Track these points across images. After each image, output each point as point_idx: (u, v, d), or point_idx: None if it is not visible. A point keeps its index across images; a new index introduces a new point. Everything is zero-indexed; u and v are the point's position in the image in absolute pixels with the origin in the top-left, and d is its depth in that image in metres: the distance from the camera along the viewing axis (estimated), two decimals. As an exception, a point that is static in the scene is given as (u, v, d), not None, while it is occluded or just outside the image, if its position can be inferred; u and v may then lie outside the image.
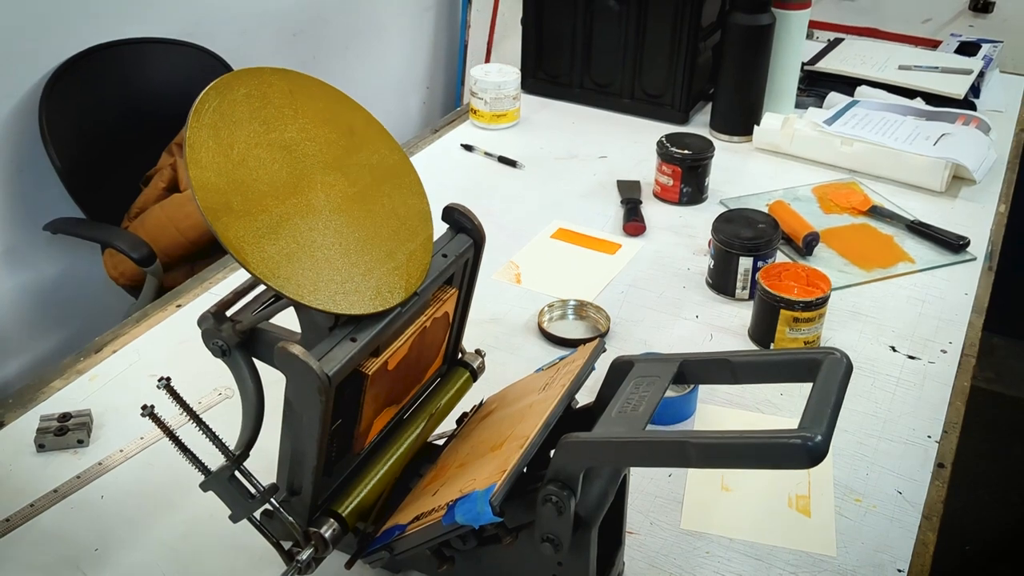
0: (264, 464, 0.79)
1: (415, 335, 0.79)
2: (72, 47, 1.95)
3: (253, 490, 0.74)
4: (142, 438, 1.01)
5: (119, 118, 2.02)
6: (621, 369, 0.78)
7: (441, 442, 0.90)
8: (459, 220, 0.85)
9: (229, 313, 0.76)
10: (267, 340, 0.75)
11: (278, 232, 0.69)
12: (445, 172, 1.64)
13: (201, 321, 0.75)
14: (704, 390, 1.08)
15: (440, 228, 0.85)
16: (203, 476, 0.75)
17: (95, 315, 2.13)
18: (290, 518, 0.75)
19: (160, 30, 2.14)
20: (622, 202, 1.53)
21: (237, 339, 0.75)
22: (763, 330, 1.17)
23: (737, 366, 0.72)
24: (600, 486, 0.74)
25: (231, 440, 0.76)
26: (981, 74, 1.96)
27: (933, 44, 2.24)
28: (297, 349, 0.66)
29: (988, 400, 2.61)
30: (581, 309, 1.24)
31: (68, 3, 1.96)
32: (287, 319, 0.76)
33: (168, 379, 0.72)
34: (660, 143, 1.52)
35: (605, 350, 0.85)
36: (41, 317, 2.08)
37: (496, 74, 1.77)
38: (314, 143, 0.76)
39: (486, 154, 1.69)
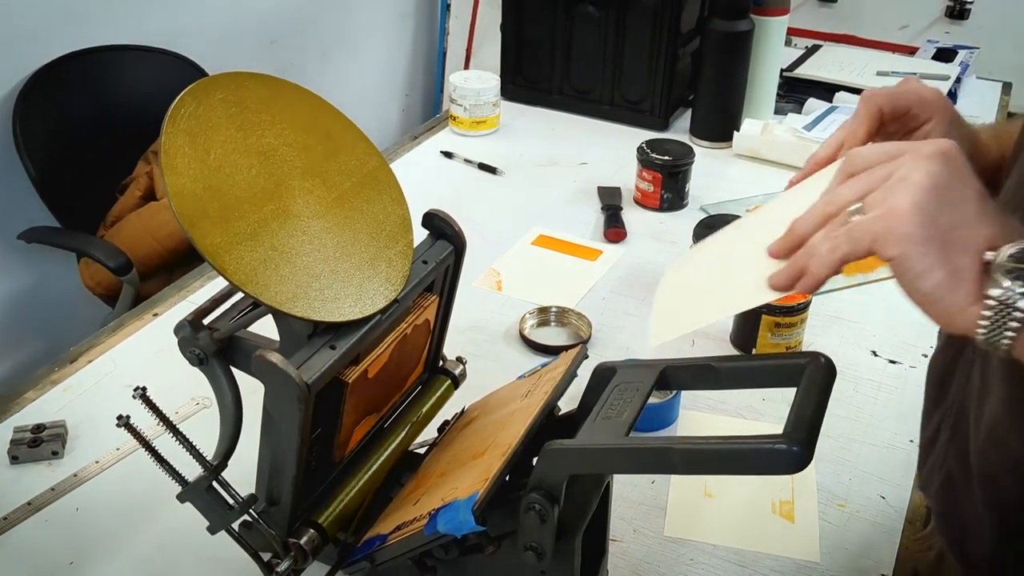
0: (241, 474, 0.78)
1: (395, 343, 0.78)
2: (47, 54, 1.93)
3: (231, 501, 0.73)
4: (118, 449, 1.00)
5: (94, 126, 2.00)
6: (603, 375, 0.77)
7: (422, 451, 0.89)
8: (439, 226, 0.84)
9: (206, 321, 0.75)
10: (245, 348, 0.74)
11: (256, 239, 0.68)
12: (425, 179, 1.63)
13: (178, 329, 0.74)
14: (687, 396, 1.07)
15: (420, 234, 0.84)
16: (180, 487, 0.73)
17: (71, 324, 2.10)
18: (269, 529, 0.74)
19: (136, 37, 2.12)
20: (603, 208, 1.53)
21: (214, 347, 0.74)
22: (745, 336, 1.17)
23: (720, 371, 0.72)
24: (583, 493, 0.73)
25: (208, 450, 0.75)
26: (958, 80, 1.98)
27: (910, 51, 2.26)
28: (275, 357, 0.65)
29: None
30: (562, 316, 1.23)
31: (42, 9, 1.94)
32: (265, 327, 0.75)
33: (144, 388, 0.71)
34: (640, 149, 1.52)
35: (587, 356, 0.84)
36: (16, 326, 2.05)
37: (475, 81, 1.77)
38: (292, 148, 0.75)
39: (466, 161, 1.69)
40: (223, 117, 0.71)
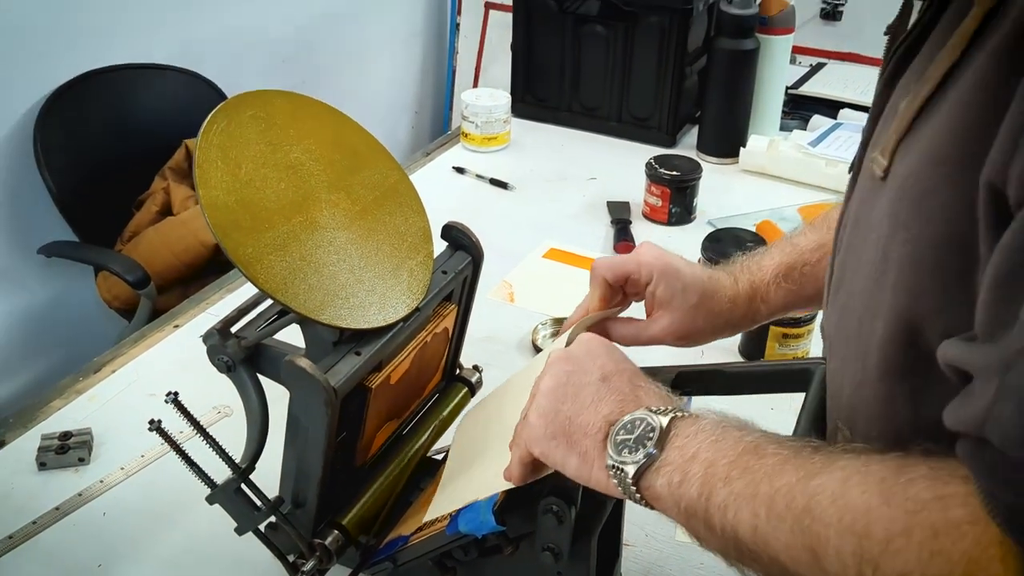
0: (261, 479, 0.80)
1: (416, 350, 0.81)
2: (66, 72, 1.97)
3: (259, 503, 0.76)
4: (143, 456, 1.02)
5: (112, 142, 2.04)
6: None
7: (440, 457, 0.91)
8: (458, 238, 0.87)
9: (234, 330, 0.78)
10: (271, 356, 0.76)
11: (285, 249, 0.71)
12: (438, 194, 1.66)
13: (207, 337, 0.77)
14: (696, 404, 1.10)
15: (440, 245, 0.87)
16: (209, 490, 0.76)
17: (88, 338, 2.13)
18: (296, 529, 0.76)
19: (153, 56, 2.16)
20: (612, 222, 1.56)
21: (242, 355, 0.76)
22: (753, 346, 1.19)
23: (731, 376, 0.74)
24: (598, 496, 0.76)
25: (233, 456, 0.77)
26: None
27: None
28: (304, 362, 0.68)
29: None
30: (574, 327, 1.26)
31: (62, 29, 1.98)
32: (289, 335, 0.78)
33: (175, 394, 0.73)
34: (649, 165, 1.55)
35: None
36: (34, 340, 2.09)
37: (487, 98, 1.80)
38: (318, 163, 0.78)
39: (477, 176, 1.72)
40: (253, 133, 0.74)
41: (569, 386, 0.63)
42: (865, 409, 0.59)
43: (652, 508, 0.58)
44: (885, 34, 0.67)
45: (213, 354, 0.77)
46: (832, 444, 0.53)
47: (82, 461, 1.01)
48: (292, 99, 0.80)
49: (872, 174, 0.57)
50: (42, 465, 1.00)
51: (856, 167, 0.64)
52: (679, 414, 0.59)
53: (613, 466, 0.58)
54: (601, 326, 0.82)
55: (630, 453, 0.57)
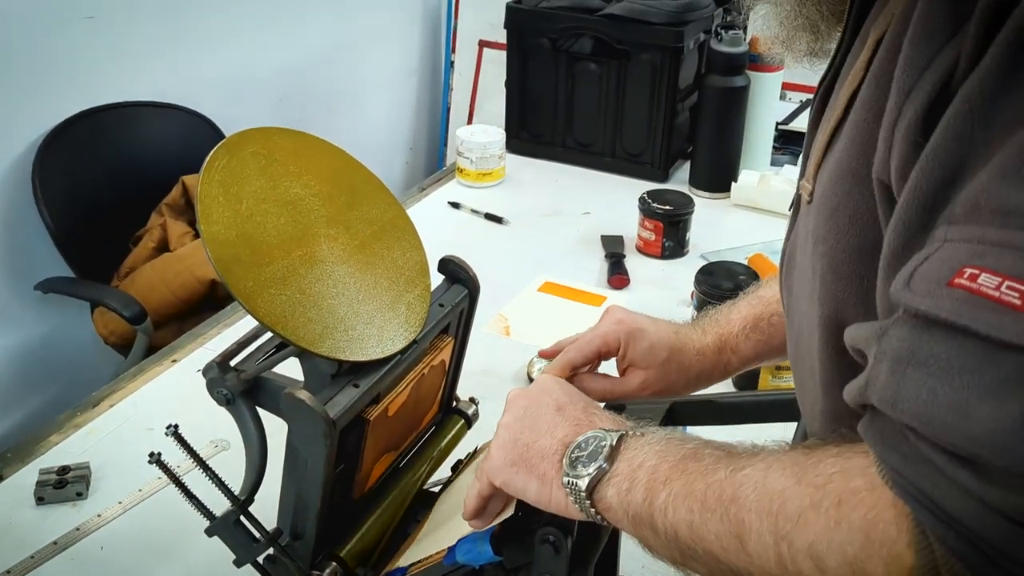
0: (259, 511, 0.81)
1: (414, 382, 0.82)
2: (66, 110, 2.00)
3: (258, 534, 0.76)
4: (140, 490, 1.03)
5: (110, 179, 2.05)
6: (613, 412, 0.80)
7: (437, 489, 0.92)
8: (455, 271, 0.88)
9: (233, 363, 0.79)
10: (270, 388, 0.77)
11: (285, 283, 0.72)
12: (434, 229, 1.67)
13: (206, 371, 0.78)
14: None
15: (436, 279, 0.88)
16: (208, 522, 0.76)
17: (84, 374, 2.13)
18: (294, 561, 0.76)
19: (151, 94, 2.19)
20: (606, 256, 1.57)
21: (241, 387, 0.77)
22: (747, 378, 1.20)
23: (724, 407, 0.75)
24: (595, 526, 0.76)
25: (231, 488, 0.78)
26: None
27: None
28: (304, 394, 0.69)
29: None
30: (569, 360, 1.27)
31: (62, 67, 2.01)
32: (287, 368, 0.78)
33: (176, 426, 0.74)
34: (642, 199, 1.57)
35: None
36: (31, 375, 2.09)
37: (482, 134, 1.83)
38: (317, 198, 0.79)
39: (473, 211, 1.74)
40: (254, 169, 0.76)
41: (526, 418, 0.66)
42: (822, 425, 0.62)
43: (605, 521, 0.61)
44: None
45: (212, 387, 0.78)
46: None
47: (80, 495, 1.01)
48: (292, 136, 0.82)
49: (802, 200, 0.61)
50: (40, 499, 1.00)
51: (795, 203, 0.68)
52: (630, 432, 0.61)
53: (568, 483, 0.61)
54: (578, 382, 0.84)
55: (583, 467, 0.60)
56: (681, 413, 0.78)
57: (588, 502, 0.60)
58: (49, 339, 2.10)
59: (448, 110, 3.41)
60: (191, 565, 0.92)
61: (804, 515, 0.48)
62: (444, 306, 0.85)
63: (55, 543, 0.95)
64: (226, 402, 0.78)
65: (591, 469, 0.60)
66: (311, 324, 0.72)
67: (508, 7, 1.90)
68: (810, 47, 0.66)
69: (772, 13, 0.65)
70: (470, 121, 3.39)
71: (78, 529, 0.97)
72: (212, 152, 0.74)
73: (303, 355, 0.76)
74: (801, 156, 0.69)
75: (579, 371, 0.86)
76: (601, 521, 0.61)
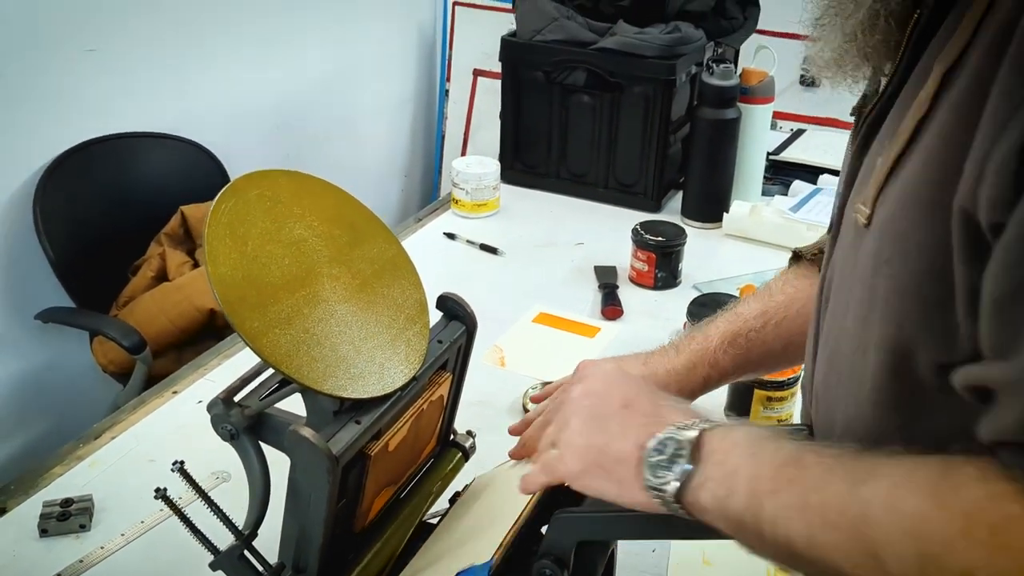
0: (261, 541, 0.82)
1: (413, 418, 0.84)
2: (67, 141, 2.02)
3: (261, 568, 0.78)
4: (142, 522, 1.04)
5: (110, 209, 2.08)
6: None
7: (435, 520, 0.94)
8: (453, 308, 0.90)
9: (237, 398, 0.81)
10: (273, 424, 0.79)
11: (290, 323, 0.74)
12: (429, 260, 1.70)
13: (211, 406, 0.79)
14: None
15: (435, 315, 0.90)
16: (212, 555, 0.78)
17: (83, 402, 2.15)
18: (296, 595, 0.78)
19: (150, 124, 2.22)
20: (600, 287, 1.60)
21: (245, 423, 0.79)
22: (739, 408, 1.22)
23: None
24: (590, 559, 0.78)
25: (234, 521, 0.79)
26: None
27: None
28: (308, 432, 0.71)
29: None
30: (564, 391, 1.29)
31: (64, 99, 2.03)
32: (290, 403, 0.80)
33: (182, 463, 0.76)
34: (635, 231, 1.60)
35: None
36: (30, 404, 2.10)
37: (477, 166, 1.85)
38: (320, 239, 0.82)
39: (468, 242, 1.76)
40: (259, 211, 0.78)
41: (595, 419, 0.68)
42: (864, 438, 0.63)
43: (698, 519, 0.62)
44: (851, 115, 0.76)
45: (217, 423, 0.79)
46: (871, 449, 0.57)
47: (83, 528, 1.02)
48: (295, 177, 0.84)
49: (855, 223, 0.63)
50: (44, 532, 1.02)
51: (835, 227, 0.70)
52: (705, 426, 0.63)
53: (652, 487, 0.62)
54: None
55: (666, 471, 0.62)
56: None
57: (677, 505, 0.62)
58: (49, 367, 2.12)
59: (443, 138, 3.45)
60: (193, 597, 0.94)
61: (953, 542, 0.49)
62: (443, 342, 0.87)
63: (59, 575, 0.96)
64: (230, 437, 0.80)
65: (676, 473, 0.61)
66: (314, 363, 0.74)
67: (503, 40, 1.94)
68: (856, 76, 0.68)
69: (824, 43, 0.67)
70: (464, 149, 3.43)
71: (81, 561, 0.98)
72: (219, 195, 0.76)
73: (306, 392, 0.78)
74: (841, 185, 0.71)
75: None
76: (693, 519, 0.62)
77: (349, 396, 0.75)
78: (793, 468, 0.58)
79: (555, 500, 0.80)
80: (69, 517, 1.03)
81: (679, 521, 0.67)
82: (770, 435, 0.62)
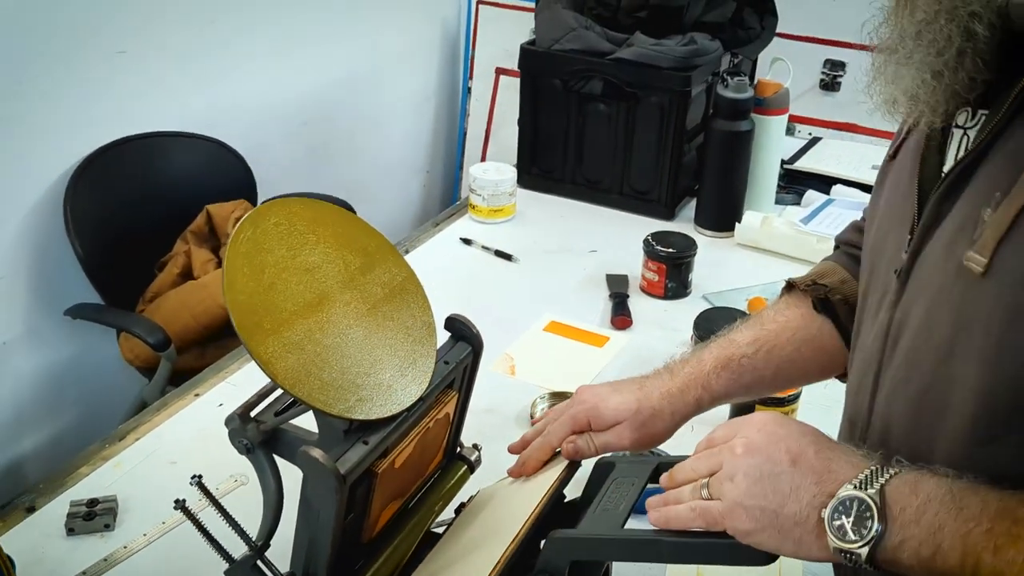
0: (275, 547, 0.87)
1: (419, 435, 0.88)
2: (96, 141, 2.08)
3: (273, 577, 0.83)
4: (164, 523, 1.09)
5: (138, 207, 2.14)
6: (603, 469, 0.87)
7: (441, 530, 0.98)
8: (460, 329, 0.95)
9: (253, 414, 0.85)
10: (287, 440, 0.84)
11: (303, 348, 0.79)
12: (445, 266, 1.75)
13: (228, 422, 0.84)
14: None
15: (443, 336, 0.94)
16: (227, 564, 0.83)
17: (109, 394, 2.22)
18: (306, 603, 0.83)
19: (178, 123, 2.27)
20: (610, 296, 1.63)
21: (260, 438, 0.83)
22: (740, 423, 1.26)
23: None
24: (586, 573, 0.82)
25: (247, 525, 0.84)
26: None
27: (907, 140, 2.37)
28: (317, 453, 0.75)
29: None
30: (571, 401, 1.33)
31: (94, 100, 2.09)
32: (303, 418, 0.85)
33: (200, 477, 0.81)
34: (646, 241, 1.63)
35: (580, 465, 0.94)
36: (57, 396, 2.17)
37: (494, 172, 1.89)
38: (333, 265, 0.86)
39: (483, 248, 1.80)
40: (275, 240, 0.82)
41: (765, 480, 0.66)
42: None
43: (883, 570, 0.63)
44: (892, 158, 0.80)
45: (234, 437, 0.84)
46: None
47: (107, 527, 1.08)
48: (310, 205, 0.88)
49: (961, 272, 0.64)
50: (70, 531, 1.07)
51: (904, 273, 0.72)
52: (883, 479, 0.63)
53: (841, 550, 0.62)
54: (571, 444, 0.94)
55: (855, 534, 0.61)
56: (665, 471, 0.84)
57: (869, 567, 0.62)
58: (77, 360, 2.19)
59: (464, 135, 3.48)
60: (210, 597, 0.99)
61: None
62: (449, 363, 0.91)
63: (84, 573, 1.02)
64: (246, 451, 0.85)
65: (867, 538, 0.61)
66: (325, 388, 0.78)
67: (522, 48, 1.97)
68: (931, 120, 0.69)
69: (901, 76, 0.68)
70: (486, 146, 3.46)
71: (105, 560, 1.04)
72: (239, 224, 0.80)
73: (317, 413, 0.82)
74: (917, 230, 0.71)
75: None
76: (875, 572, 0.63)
77: (357, 417, 0.80)
78: (1010, 522, 0.59)
79: (552, 519, 0.84)
80: (94, 517, 1.08)
81: (665, 547, 0.71)
82: (966, 486, 0.62)
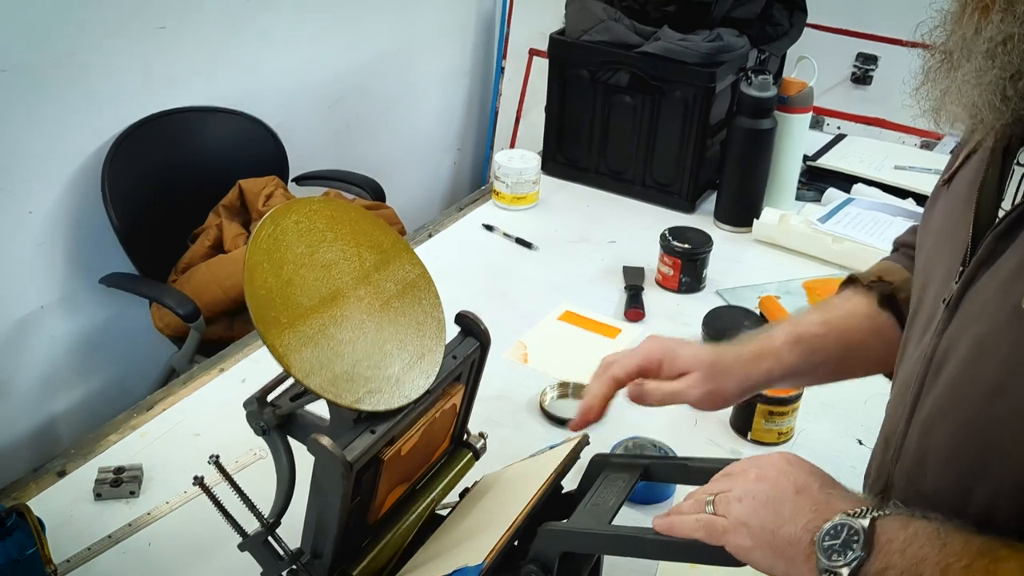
0: (286, 522, 0.92)
1: (425, 425, 0.93)
2: (134, 115, 2.14)
3: (282, 552, 0.88)
4: (185, 492, 1.16)
5: (172, 180, 2.20)
6: (598, 465, 0.91)
7: (445, 512, 1.03)
8: (469, 326, 0.99)
9: (270, 398, 0.91)
10: (301, 424, 0.89)
11: (317, 343, 0.84)
12: (467, 251, 1.79)
13: (247, 404, 0.90)
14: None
15: (452, 330, 0.99)
16: (241, 538, 0.89)
17: (140, 359, 2.30)
18: (312, 578, 0.88)
19: (212, 99, 2.33)
20: (626, 288, 1.67)
21: (276, 422, 0.89)
22: (742, 421, 1.30)
23: (692, 471, 0.85)
24: (575, 566, 0.87)
25: (262, 498, 0.90)
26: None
27: (936, 137, 2.37)
28: (326, 441, 0.80)
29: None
30: (580, 391, 1.37)
31: (134, 74, 2.15)
32: (317, 403, 0.90)
33: (217, 457, 0.86)
34: (663, 236, 1.66)
35: (588, 443, 0.98)
36: (90, 359, 2.25)
37: (518, 160, 1.93)
38: (349, 261, 0.91)
39: (505, 235, 1.84)
40: (294, 237, 0.87)
41: (769, 503, 0.70)
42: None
43: None
44: (946, 182, 0.80)
45: (251, 419, 0.90)
46: None
47: (133, 494, 1.14)
48: (329, 204, 0.93)
49: (1022, 314, 0.64)
50: (98, 496, 1.14)
51: (953, 303, 0.72)
52: (876, 514, 0.66)
53: (826, 570, 0.65)
54: (636, 388, 0.95)
55: (839, 556, 0.65)
56: (656, 472, 0.88)
57: None
58: (110, 326, 2.27)
59: (496, 114, 3.51)
60: (227, 566, 1.05)
61: None
62: (457, 358, 0.96)
63: (110, 536, 1.08)
64: (262, 432, 0.90)
65: (849, 559, 0.64)
66: (336, 380, 0.83)
67: (551, 38, 2.00)
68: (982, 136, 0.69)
69: (964, 90, 0.66)
70: (516, 127, 3.49)
71: (130, 525, 1.10)
72: (260, 222, 0.85)
73: (330, 402, 0.87)
74: (971, 264, 0.71)
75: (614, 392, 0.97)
76: None
77: (366, 408, 0.85)
78: (988, 560, 0.61)
79: (548, 508, 0.89)
80: (121, 483, 1.15)
81: (648, 543, 0.76)
82: (954, 527, 0.64)
